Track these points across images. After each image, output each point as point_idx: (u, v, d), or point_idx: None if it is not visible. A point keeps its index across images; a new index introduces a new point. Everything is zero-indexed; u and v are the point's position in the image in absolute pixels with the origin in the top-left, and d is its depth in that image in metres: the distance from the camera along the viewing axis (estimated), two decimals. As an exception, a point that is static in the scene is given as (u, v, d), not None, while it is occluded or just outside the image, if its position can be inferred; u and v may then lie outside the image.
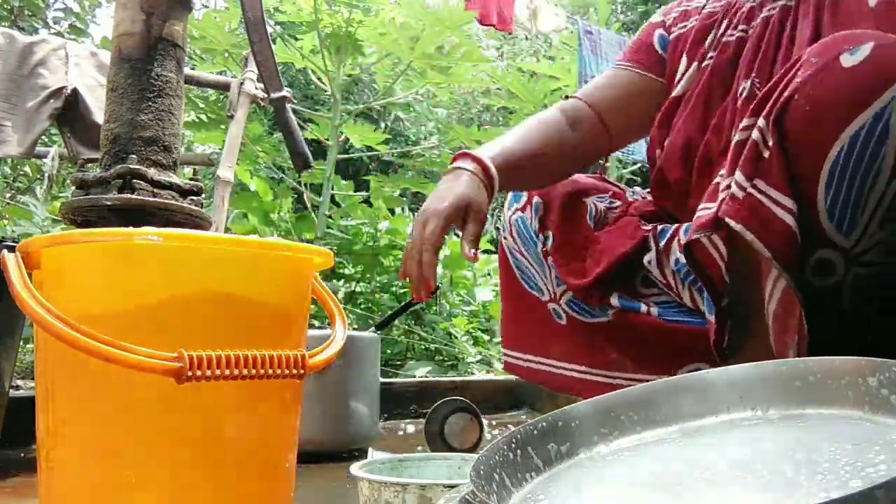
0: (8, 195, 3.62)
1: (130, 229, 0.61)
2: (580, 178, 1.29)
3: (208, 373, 0.55)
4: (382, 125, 6.20)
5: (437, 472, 0.79)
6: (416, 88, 4.00)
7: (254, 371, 0.58)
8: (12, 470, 1.15)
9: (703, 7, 1.19)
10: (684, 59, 1.15)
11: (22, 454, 1.26)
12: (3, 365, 1.07)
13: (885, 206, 0.76)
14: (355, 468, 0.74)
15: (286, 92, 1.79)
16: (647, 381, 1.11)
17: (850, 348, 0.88)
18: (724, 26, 1.13)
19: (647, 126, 1.19)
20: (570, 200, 1.24)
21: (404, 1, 3.24)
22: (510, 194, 1.29)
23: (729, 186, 0.80)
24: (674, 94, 1.14)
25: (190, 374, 0.55)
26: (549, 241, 1.21)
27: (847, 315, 0.84)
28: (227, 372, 0.56)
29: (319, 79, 3.52)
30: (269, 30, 1.75)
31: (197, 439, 0.61)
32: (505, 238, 1.30)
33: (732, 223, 0.79)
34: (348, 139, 3.64)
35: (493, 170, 1.03)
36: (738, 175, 0.80)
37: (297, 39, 3.64)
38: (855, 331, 0.86)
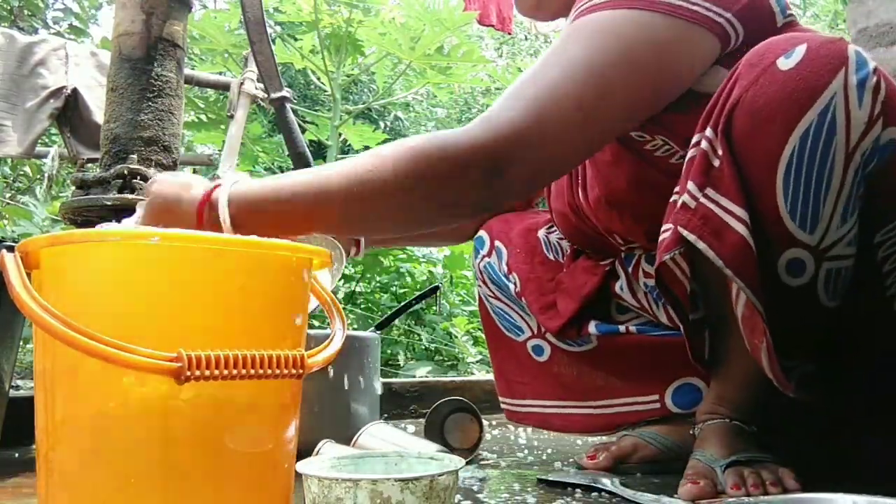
0: (8, 195, 3.62)
1: (131, 229, 0.61)
2: (528, 212, 1.33)
3: (207, 373, 0.55)
4: (382, 125, 6.21)
5: (374, 468, 0.78)
6: (415, 88, 4.00)
7: (253, 371, 0.58)
8: (12, 470, 1.15)
9: None
10: None
11: (22, 454, 1.26)
12: (3, 365, 1.07)
13: (843, 198, 0.77)
14: (301, 466, 0.72)
15: (286, 92, 1.79)
16: (640, 403, 1.13)
17: (827, 344, 0.89)
18: None
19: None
20: (526, 237, 1.26)
21: (404, 1, 3.24)
22: (474, 243, 1.32)
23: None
24: None
25: (189, 374, 0.55)
26: (518, 282, 1.23)
27: (823, 311, 0.84)
28: (227, 372, 0.56)
29: (319, 79, 3.52)
30: (269, 30, 1.75)
31: (196, 440, 0.61)
32: (480, 286, 1.31)
33: (685, 233, 0.79)
34: (347, 140, 3.64)
35: None
36: (690, 185, 0.80)
37: (297, 39, 3.64)
38: (832, 326, 0.87)
